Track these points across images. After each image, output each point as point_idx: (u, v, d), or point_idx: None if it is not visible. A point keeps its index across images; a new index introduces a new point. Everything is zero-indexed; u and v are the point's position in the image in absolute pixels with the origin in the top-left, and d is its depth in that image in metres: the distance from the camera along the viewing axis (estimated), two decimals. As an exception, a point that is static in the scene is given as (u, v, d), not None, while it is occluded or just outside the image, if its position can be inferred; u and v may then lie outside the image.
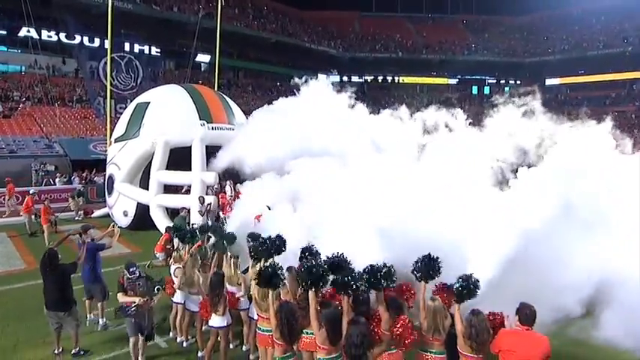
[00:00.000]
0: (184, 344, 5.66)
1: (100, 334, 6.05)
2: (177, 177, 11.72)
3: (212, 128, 12.02)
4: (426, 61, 48.15)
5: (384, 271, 3.71)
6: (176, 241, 6.35)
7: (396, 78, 50.52)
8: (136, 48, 32.27)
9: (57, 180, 17.67)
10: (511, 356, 3.36)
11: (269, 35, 41.14)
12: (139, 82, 17.85)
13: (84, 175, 18.73)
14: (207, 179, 11.28)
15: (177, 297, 5.67)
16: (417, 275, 3.97)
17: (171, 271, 5.74)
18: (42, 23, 27.88)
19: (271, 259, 4.20)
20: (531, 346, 3.32)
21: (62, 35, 29.87)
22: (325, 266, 3.81)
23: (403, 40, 49.32)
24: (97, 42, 30.02)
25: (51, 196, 14.63)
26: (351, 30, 50.54)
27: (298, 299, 4.14)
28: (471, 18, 53.73)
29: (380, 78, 50.69)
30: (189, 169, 11.54)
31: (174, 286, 5.67)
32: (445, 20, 53.96)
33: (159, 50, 34.98)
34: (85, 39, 30.49)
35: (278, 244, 4.41)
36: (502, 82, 50.54)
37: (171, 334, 5.88)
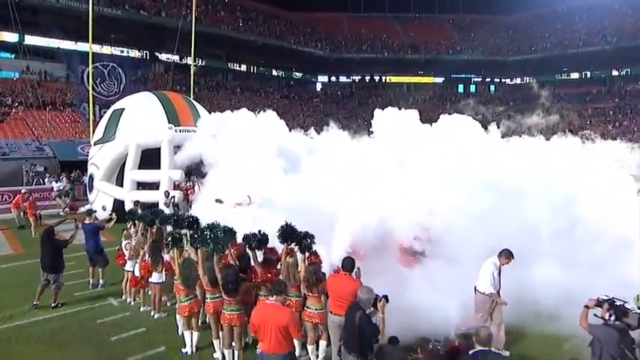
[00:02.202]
0: (132, 303, 7.17)
1: (70, 297, 7.46)
2: (148, 175, 13.19)
3: (179, 131, 13.44)
4: (412, 61, 48.97)
5: (258, 237, 5.25)
6: (128, 224, 7.80)
7: (383, 78, 51.69)
8: (125, 52, 33.69)
9: (46, 180, 19.09)
10: (331, 293, 4.80)
11: (257, 38, 42.26)
12: (121, 88, 19.31)
13: (71, 175, 20.16)
14: (174, 176, 12.76)
15: (128, 266, 7.17)
16: (279, 238, 5.38)
17: (122, 246, 7.24)
18: (34, 30, 29.20)
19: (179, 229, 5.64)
20: (343, 286, 4.67)
21: (53, 41, 31.12)
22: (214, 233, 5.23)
23: (390, 40, 50.08)
24: (87, 47, 31.26)
25: (40, 195, 16.12)
26: (340, 31, 51.20)
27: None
28: (457, 17, 54.12)
29: (367, 78, 51.94)
30: (159, 168, 13.00)
31: (125, 257, 7.17)
32: (432, 20, 54.39)
33: (147, 54, 36.29)
34: (75, 44, 31.76)
35: (191, 221, 5.84)
36: (487, 80, 51.91)
37: (123, 296, 7.37)
